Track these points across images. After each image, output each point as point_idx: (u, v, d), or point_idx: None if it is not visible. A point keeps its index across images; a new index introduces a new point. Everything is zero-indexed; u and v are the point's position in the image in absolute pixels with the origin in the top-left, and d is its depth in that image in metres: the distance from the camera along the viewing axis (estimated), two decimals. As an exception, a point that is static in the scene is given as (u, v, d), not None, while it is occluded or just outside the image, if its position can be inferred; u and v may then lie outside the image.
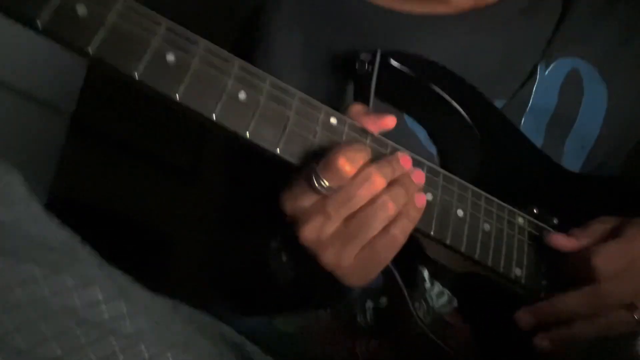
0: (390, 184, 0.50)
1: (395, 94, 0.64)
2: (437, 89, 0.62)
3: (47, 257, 0.41)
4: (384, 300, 0.62)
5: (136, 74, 0.46)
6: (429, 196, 0.55)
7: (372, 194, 0.49)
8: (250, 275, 0.65)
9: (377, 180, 0.49)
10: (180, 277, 1.58)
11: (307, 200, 0.50)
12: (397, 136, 0.57)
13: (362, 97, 0.62)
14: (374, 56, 0.62)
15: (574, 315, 0.57)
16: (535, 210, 0.63)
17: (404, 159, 0.52)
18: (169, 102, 0.47)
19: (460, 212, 0.56)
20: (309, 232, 0.50)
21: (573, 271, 0.58)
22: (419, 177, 0.53)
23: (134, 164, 1.80)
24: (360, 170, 0.49)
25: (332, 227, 0.49)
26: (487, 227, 0.58)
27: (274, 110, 0.50)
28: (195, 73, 0.47)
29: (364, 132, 0.54)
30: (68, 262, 0.41)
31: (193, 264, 1.44)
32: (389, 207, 0.49)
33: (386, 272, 0.56)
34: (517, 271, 0.58)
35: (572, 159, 0.72)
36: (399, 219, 0.50)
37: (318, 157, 0.50)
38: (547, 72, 0.72)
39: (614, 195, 0.70)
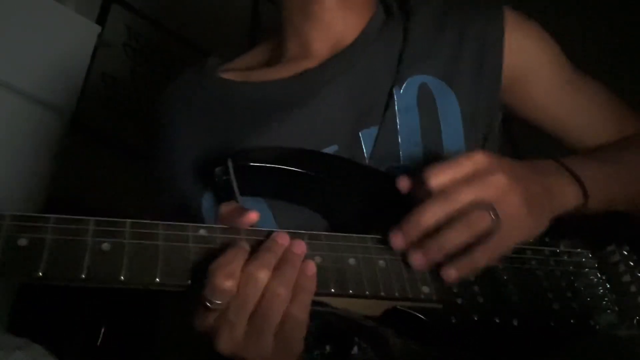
0: (276, 266, 0.54)
1: (256, 187, 0.71)
2: (284, 166, 0.69)
3: None
4: (328, 347, 0.66)
5: (83, 275, 0.49)
6: (318, 259, 0.58)
7: (261, 289, 0.53)
8: None
9: (260, 276, 0.53)
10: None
11: (209, 319, 0.54)
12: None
13: (229, 200, 0.68)
14: (226, 165, 0.68)
15: (432, 222, 0.59)
16: None
17: (281, 237, 0.56)
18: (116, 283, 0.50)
19: (352, 261, 0.59)
20: (223, 343, 0.53)
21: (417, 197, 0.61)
22: (300, 247, 0.56)
23: (134, 164, 1.80)
24: (243, 273, 0.53)
25: (240, 331, 0.53)
26: (382, 263, 0.60)
27: (141, 247, 0.53)
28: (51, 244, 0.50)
29: (235, 230, 0.58)
30: None
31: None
32: (280, 293, 0.53)
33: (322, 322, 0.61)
34: (425, 289, 0.61)
35: None
36: (295, 296, 0.54)
37: (197, 276, 0.53)
38: (401, 92, 0.79)
39: None
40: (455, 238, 0.58)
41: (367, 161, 0.76)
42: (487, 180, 0.59)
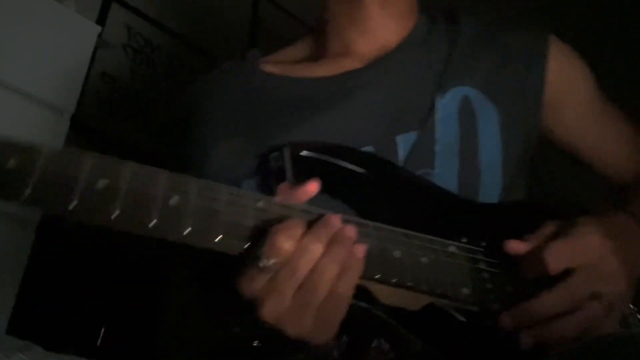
0: (329, 244, 0.56)
1: (305, 179, 0.71)
2: (343, 163, 0.71)
3: None
4: (344, 337, 0.67)
5: (150, 225, 0.50)
6: (365, 246, 0.59)
7: (313, 262, 0.54)
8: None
9: (314, 249, 0.54)
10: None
11: (259, 282, 0.55)
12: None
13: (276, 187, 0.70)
14: (282, 152, 0.70)
15: (550, 314, 0.61)
16: (463, 240, 0.68)
17: (334, 219, 0.57)
18: (106, 223, 0.50)
19: (397, 253, 0.61)
20: (268, 312, 0.54)
21: (530, 275, 0.64)
22: (351, 231, 0.57)
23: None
24: (298, 243, 0.54)
25: (286, 301, 0.54)
26: (425, 260, 0.62)
27: (205, 207, 0.54)
28: (126, 192, 0.51)
29: (291, 207, 0.59)
30: None
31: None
32: (330, 269, 0.55)
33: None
34: (465, 290, 0.63)
35: (489, 174, 0.80)
36: (343, 275, 0.55)
37: (255, 239, 0.55)
38: (444, 101, 0.81)
39: (523, 217, 0.77)
40: (569, 330, 0.61)
41: (401, 165, 0.78)
42: (604, 272, 0.62)
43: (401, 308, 0.62)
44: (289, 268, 0.54)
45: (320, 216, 0.59)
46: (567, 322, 0.61)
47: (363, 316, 0.63)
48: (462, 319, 0.63)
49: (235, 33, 2.28)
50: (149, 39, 2.04)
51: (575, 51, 0.89)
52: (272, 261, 0.53)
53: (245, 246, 0.55)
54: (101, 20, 1.87)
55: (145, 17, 2.04)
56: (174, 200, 0.53)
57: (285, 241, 0.53)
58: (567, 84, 0.86)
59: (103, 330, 1.36)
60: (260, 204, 0.58)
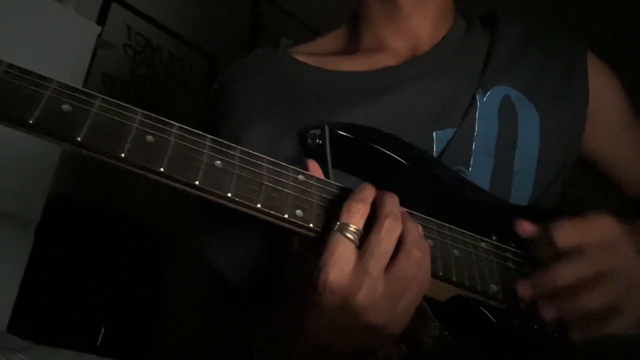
0: (403, 222, 0.55)
1: (347, 162, 0.71)
2: (383, 149, 0.71)
3: None
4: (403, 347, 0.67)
5: (122, 154, 0.51)
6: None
7: (396, 238, 0.54)
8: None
9: (393, 226, 0.54)
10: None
11: (346, 261, 0.53)
12: None
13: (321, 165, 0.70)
14: (323, 130, 0.70)
15: (571, 281, 0.60)
16: (494, 237, 0.68)
17: (389, 195, 0.57)
18: (156, 174, 0.53)
19: (429, 242, 0.61)
20: (364, 297, 0.52)
21: (542, 254, 0.63)
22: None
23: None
24: (376, 215, 0.54)
25: (379, 285, 0.53)
26: (456, 252, 0.63)
27: (248, 173, 0.56)
28: (174, 149, 0.53)
29: (330, 183, 0.60)
30: None
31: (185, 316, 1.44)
32: (424, 247, 0.55)
33: None
34: (493, 287, 0.63)
35: (523, 177, 0.79)
36: (424, 259, 0.55)
37: (295, 209, 0.55)
38: (484, 100, 0.80)
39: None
40: (591, 305, 0.59)
41: None
42: (620, 253, 0.61)
43: (428, 297, 0.61)
44: (373, 245, 0.53)
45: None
46: (588, 295, 0.59)
47: None
48: (489, 314, 0.63)
49: (235, 33, 2.28)
50: (149, 39, 2.04)
51: (610, 68, 0.91)
52: (353, 225, 0.53)
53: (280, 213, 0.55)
54: (101, 20, 1.87)
55: (145, 17, 2.04)
56: (219, 163, 0.54)
57: (361, 203, 0.54)
58: (601, 97, 0.87)
59: (103, 329, 1.37)
60: (300, 177, 0.58)
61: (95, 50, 1.71)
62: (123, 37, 1.95)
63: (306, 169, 0.61)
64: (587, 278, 0.59)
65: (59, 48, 1.56)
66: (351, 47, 0.89)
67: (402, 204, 0.62)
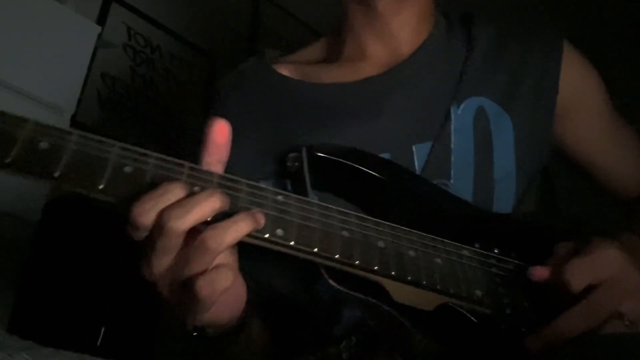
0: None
1: (328, 182, 0.72)
2: (362, 167, 0.71)
3: None
4: (354, 338, 0.69)
5: (100, 186, 0.52)
6: (382, 243, 0.60)
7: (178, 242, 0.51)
8: None
9: (173, 227, 0.50)
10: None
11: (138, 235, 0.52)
12: None
13: (299, 190, 0.70)
14: (300, 153, 0.71)
15: (576, 332, 0.60)
16: (476, 245, 0.69)
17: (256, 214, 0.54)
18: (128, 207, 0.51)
19: (412, 253, 0.62)
20: (142, 267, 0.53)
21: (557, 296, 0.62)
22: (260, 219, 0.54)
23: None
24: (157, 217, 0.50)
25: (157, 265, 0.52)
26: (438, 260, 0.63)
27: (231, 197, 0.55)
28: (152, 177, 0.53)
29: (307, 202, 0.59)
30: None
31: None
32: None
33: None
34: (478, 292, 0.63)
35: (503, 185, 0.80)
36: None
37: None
38: (459, 112, 0.81)
39: (535, 229, 0.77)
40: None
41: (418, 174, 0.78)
42: (627, 286, 0.61)
43: (414, 307, 0.62)
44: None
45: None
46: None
47: (371, 312, 0.63)
48: (475, 320, 0.63)
49: (235, 33, 2.28)
50: (149, 39, 2.04)
51: (588, 60, 0.89)
52: (142, 233, 0.50)
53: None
54: (101, 20, 1.87)
55: (145, 17, 2.04)
56: (197, 189, 0.53)
57: (140, 215, 0.50)
58: (578, 92, 0.86)
59: (103, 330, 1.36)
60: (279, 198, 0.57)
61: (95, 50, 1.71)
62: (123, 37, 1.95)
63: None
64: (592, 324, 0.60)
65: (59, 48, 1.55)
66: (335, 56, 0.90)
67: (384, 219, 0.64)
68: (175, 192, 0.51)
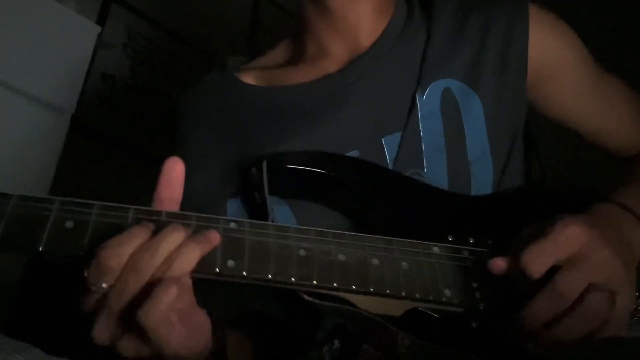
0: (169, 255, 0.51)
1: (295, 189, 0.73)
2: (322, 170, 0.71)
3: None
4: (336, 342, 0.68)
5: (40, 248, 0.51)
6: (342, 257, 0.59)
7: (143, 282, 0.50)
8: None
9: (142, 267, 0.50)
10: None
11: (91, 300, 0.52)
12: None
13: (262, 202, 0.70)
14: (261, 165, 0.70)
15: (547, 318, 0.58)
16: (450, 238, 0.68)
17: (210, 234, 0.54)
18: (78, 258, 0.52)
19: (375, 261, 0.60)
20: (97, 332, 0.52)
21: (522, 285, 0.60)
22: (214, 237, 0.54)
23: (134, 164, 1.80)
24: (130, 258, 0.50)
25: (114, 319, 0.51)
26: (404, 265, 0.62)
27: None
28: (94, 227, 0.52)
29: (264, 225, 0.58)
30: None
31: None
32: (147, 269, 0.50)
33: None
34: (447, 292, 0.62)
35: (479, 164, 0.78)
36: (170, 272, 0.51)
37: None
38: (424, 98, 0.79)
39: (515, 204, 0.76)
40: (575, 330, 0.57)
41: (390, 167, 0.76)
42: (593, 261, 0.58)
43: (383, 315, 0.61)
44: (117, 285, 0.50)
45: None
46: (569, 322, 0.57)
47: (348, 318, 0.62)
48: (443, 320, 0.62)
49: (235, 33, 2.28)
50: (149, 39, 2.03)
51: (559, 18, 0.85)
52: (103, 283, 0.50)
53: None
54: (101, 20, 1.86)
55: (145, 17, 2.04)
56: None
57: (110, 258, 0.49)
58: (551, 56, 0.83)
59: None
60: (232, 225, 0.57)
61: (95, 50, 1.71)
62: (123, 37, 1.95)
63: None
64: (565, 310, 0.58)
65: (59, 48, 1.55)
66: (298, 56, 0.88)
67: (356, 221, 0.64)
68: (141, 233, 0.51)
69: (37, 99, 1.49)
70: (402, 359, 0.61)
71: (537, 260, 0.58)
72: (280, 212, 0.72)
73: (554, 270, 0.58)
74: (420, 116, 0.78)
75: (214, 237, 0.54)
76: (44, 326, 1.33)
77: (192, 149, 0.82)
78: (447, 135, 0.78)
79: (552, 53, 0.83)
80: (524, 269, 0.58)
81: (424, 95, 0.79)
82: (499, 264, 0.61)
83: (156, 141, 1.93)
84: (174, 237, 0.52)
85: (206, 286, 0.55)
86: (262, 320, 0.76)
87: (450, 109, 0.79)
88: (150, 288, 0.50)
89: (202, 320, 0.55)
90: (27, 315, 1.37)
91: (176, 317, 0.50)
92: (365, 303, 0.60)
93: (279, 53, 0.93)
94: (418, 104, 0.78)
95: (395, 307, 0.61)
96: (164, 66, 2.06)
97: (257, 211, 0.71)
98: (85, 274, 0.50)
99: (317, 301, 0.60)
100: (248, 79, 0.87)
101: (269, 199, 0.69)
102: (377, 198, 0.72)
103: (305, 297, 0.60)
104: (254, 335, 0.76)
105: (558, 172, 0.90)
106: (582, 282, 0.57)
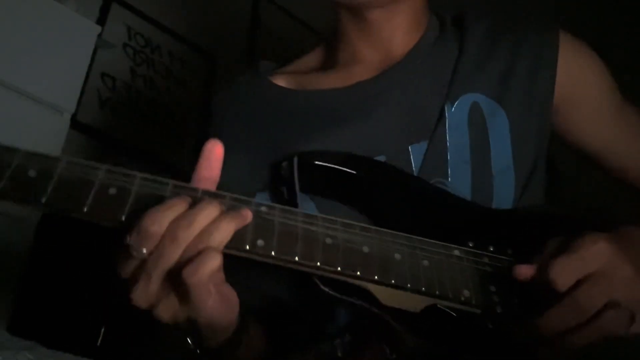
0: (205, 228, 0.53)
1: (323, 188, 0.75)
2: (351, 170, 0.73)
3: None
4: (347, 336, 0.69)
5: (84, 209, 0.54)
6: (366, 248, 0.61)
7: (180, 250, 0.53)
8: None
9: (181, 236, 0.52)
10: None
11: (130, 266, 0.54)
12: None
13: (291, 196, 0.73)
14: (291, 161, 0.73)
15: (560, 329, 0.59)
16: (470, 244, 0.69)
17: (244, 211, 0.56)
18: (117, 223, 0.54)
19: (398, 256, 0.62)
20: (136, 296, 0.54)
21: (545, 295, 0.61)
22: (247, 214, 0.56)
23: (134, 164, 1.81)
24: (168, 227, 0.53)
25: (154, 286, 0.53)
26: (425, 262, 0.63)
27: None
28: (136, 196, 0.55)
29: (291, 211, 0.60)
30: None
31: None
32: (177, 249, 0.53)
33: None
34: (466, 292, 0.63)
35: (502, 177, 0.79)
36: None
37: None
38: (453, 110, 0.81)
39: (534, 222, 0.76)
40: (587, 340, 0.58)
41: (415, 174, 0.78)
42: (616, 279, 0.59)
43: (401, 309, 0.62)
44: (157, 252, 0.52)
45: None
46: (582, 335, 0.58)
47: (360, 314, 0.64)
48: (463, 320, 0.64)
49: (235, 33, 2.28)
50: (149, 39, 2.04)
51: (588, 46, 0.87)
52: (143, 248, 0.52)
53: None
54: (101, 20, 1.87)
55: (145, 17, 2.04)
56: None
57: (153, 224, 0.52)
58: (578, 82, 0.85)
59: (103, 330, 1.36)
60: (262, 208, 0.58)
61: (95, 50, 1.71)
62: (123, 37, 1.95)
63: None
64: (582, 323, 0.58)
65: (59, 48, 1.56)
66: (331, 62, 0.91)
67: (379, 223, 0.64)
68: (180, 204, 0.54)
69: (37, 99, 1.49)
70: (411, 356, 0.63)
71: (565, 274, 0.59)
72: (306, 208, 0.74)
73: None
74: (448, 127, 0.80)
75: (247, 214, 0.56)
76: (44, 324, 1.33)
77: (224, 142, 0.84)
78: (472, 148, 0.79)
79: (579, 80, 0.85)
80: (551, 280, 0.59)
81: (452, 107, 0.81)
82: (524, 271, 0.62)
83: (156, 141, 1.94)
84: (210, 211, 0.54)
85: (227, 272, 0.57)
86: (277, 310, 0.77)
87: (477, 122, 0.81)
88: (185, 262, 0.52)
89: (232, 295, 0.59)
90: (29, 313, 1.38)
91: (212, 286, 0.54)
92: (386, 295, 0.62)
93: (312, 58, 0.95)
94: (446, 115, 0.80)
95: (415, 303, 0.63)
96: (164, 66, 2.07)
97: (285, 205, 0.73)
98: (127, 240, 0.52)
99: (333, 292, 0.62)
100: (281, 82, 0.89)
101: (299, 194, 0.71)
102: (401, 202, 0.74)
103: (322, 287, 0.61)
104: (267, 324, 0.76)
105: (577, 199, 0.91)
106: (603, 298, 0.58)
